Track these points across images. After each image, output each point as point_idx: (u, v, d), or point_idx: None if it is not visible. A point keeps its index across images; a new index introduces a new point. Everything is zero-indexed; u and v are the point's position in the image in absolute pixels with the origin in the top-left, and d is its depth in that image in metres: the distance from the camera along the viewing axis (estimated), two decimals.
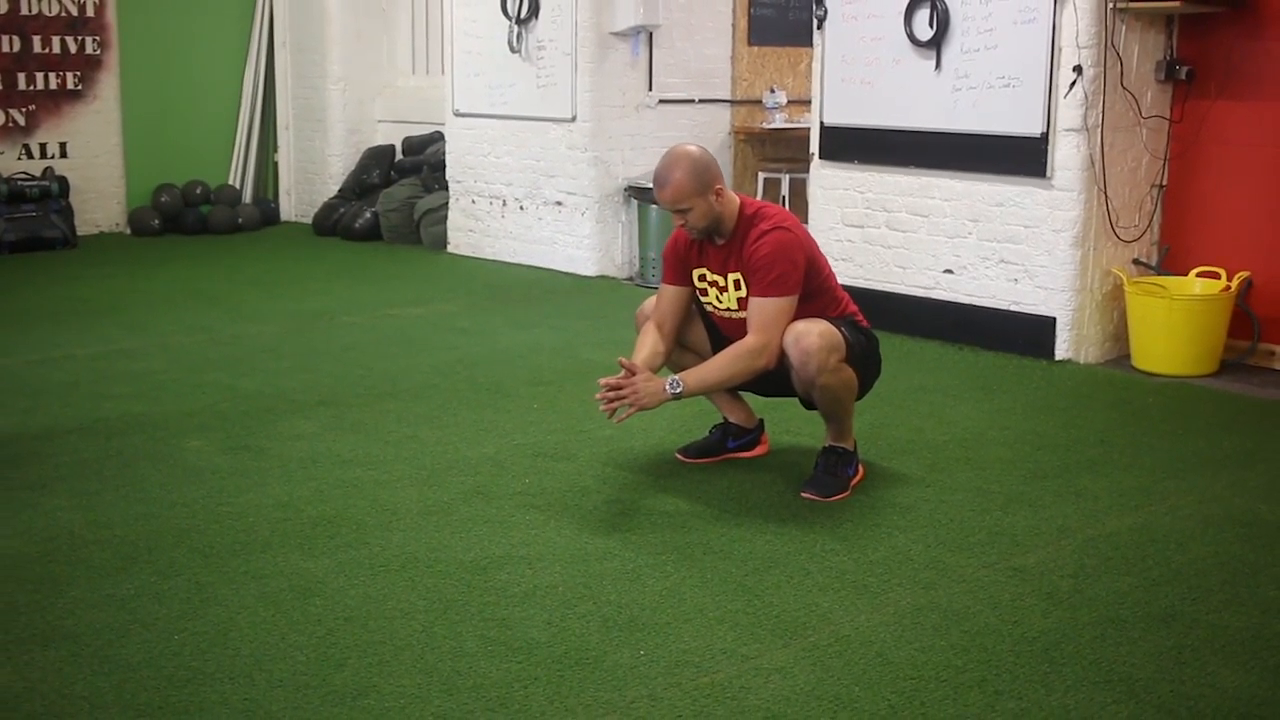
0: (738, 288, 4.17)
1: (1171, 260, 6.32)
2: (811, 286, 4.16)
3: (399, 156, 10.66)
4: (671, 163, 4.05)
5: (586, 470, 4.35)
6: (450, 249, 9.51)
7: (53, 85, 9.87)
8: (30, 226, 9.38)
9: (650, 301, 4.41)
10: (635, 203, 8.29)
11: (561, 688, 2.91)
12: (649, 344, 4.26)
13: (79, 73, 9.97)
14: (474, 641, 3.13)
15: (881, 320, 6.70)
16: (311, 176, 11.06)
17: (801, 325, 4.07)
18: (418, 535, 3.82)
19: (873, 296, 6.81)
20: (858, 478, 4.34)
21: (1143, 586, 3.51)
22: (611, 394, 3.97)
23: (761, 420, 4.65)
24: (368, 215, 10.13)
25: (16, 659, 3.02)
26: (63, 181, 9.67)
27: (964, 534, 3.90)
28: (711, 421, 4.67)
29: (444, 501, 4.12)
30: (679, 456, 4.58)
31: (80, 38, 9.94)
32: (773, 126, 8.85)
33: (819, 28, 6.91)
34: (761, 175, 8.86)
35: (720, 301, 4.24)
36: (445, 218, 9.58)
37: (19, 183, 9.42)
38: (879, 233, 6.80)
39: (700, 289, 4.30)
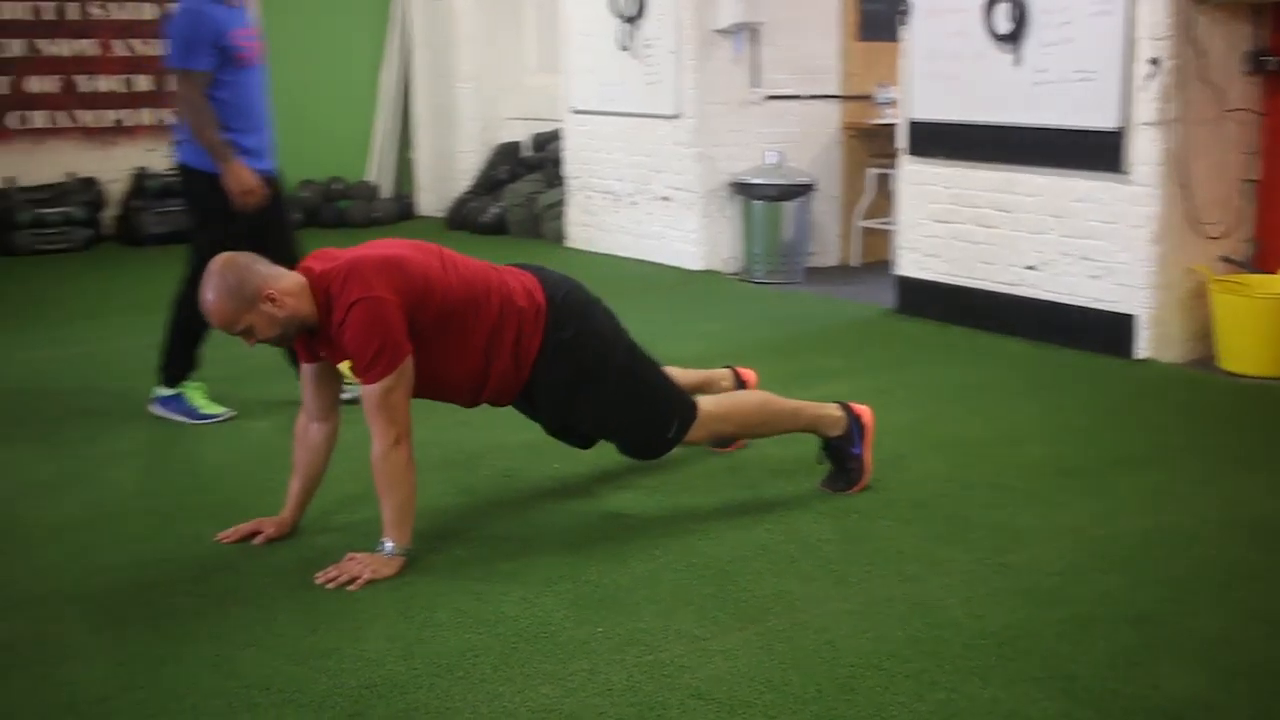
0: None
1: (1263, 257, 6.13)
2: (433, 317, 3.60)
3: (526, 152, 10.93)
4: (203, 289, 3.53)
5: (589, 457, 4.32)
6: (568, 243, 9.73)
7: None
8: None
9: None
10: (740, 198, 8.37)
11: (511, 658, 3.06)
12: (302, 469, 3.82)
13: None
14: (446, 613, 3.30)
15: (968, 316, 6.72)
16: (447, 172, 11.42)
17: None
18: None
19: (959, 292, 6.79)
20: (867, 446, 4.19)
21: (1125, 587, 3.48)
22: (335, 580, 3.51)
23: None
24: (493, 210, 10.45)
25: None
26: None
27: (965, 529, 3.90)
28: None
29: (471, 484, 4.31)
30: None
31: None
32: (883, 122, 8.81)
33: (903, 23, 6.90)
34: (872, 171, 8.83)
35: None
36: (563, 212, 9.81)
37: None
38: (965, 229, 6.76)
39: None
